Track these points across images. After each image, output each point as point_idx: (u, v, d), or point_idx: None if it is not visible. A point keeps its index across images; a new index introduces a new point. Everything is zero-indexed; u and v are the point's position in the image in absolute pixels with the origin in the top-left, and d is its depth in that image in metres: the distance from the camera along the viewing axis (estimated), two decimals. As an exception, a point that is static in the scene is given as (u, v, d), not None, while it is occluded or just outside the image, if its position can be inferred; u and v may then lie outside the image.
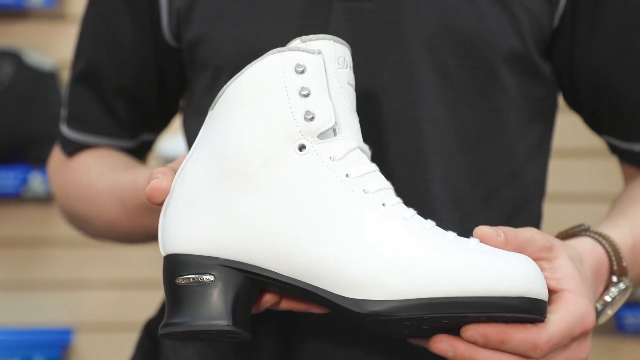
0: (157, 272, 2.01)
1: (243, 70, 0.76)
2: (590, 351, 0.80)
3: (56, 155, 1.06)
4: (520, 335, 0.74)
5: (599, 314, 0.84)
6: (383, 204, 0.75)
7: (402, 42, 0.88)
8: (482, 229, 0.77)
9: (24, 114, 2.04)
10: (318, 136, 0.75)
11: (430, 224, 0.76)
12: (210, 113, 0.77)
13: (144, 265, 2.09)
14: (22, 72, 2.04)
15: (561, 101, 0.99)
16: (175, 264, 0.76)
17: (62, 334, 2.14)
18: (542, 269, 0.76)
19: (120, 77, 1.00)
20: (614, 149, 0.98)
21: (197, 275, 0.75)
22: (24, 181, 2.04)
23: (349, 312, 0.73)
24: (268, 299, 0.77)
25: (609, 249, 0.85)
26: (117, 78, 1.00)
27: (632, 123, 0.95)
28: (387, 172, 0.84)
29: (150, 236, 0.97)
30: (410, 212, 0.76)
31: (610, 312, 0.86)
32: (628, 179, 0.99)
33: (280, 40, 0.81)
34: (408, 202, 0.86)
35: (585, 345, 0.79)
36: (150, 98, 1.01)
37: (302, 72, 0.75)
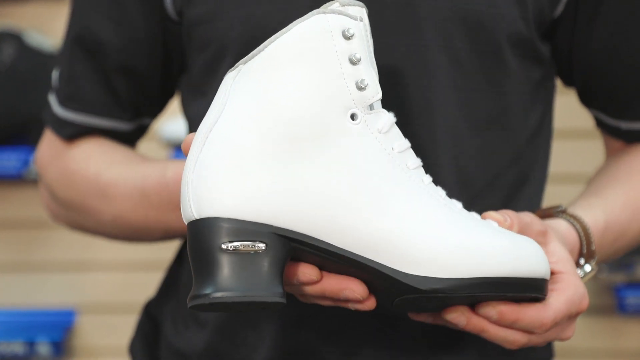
0: (159, 254, 2.02)
1: (287, 28, 0.72)
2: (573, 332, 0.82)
3: (48, 141, 1.01)
4: (532, 314, 0.77)
5: None
6: (422, 181, 0.76)
7: (415, 25, 0.87)
8: (490, 214, 0.80)
9: (26, 95, 2.03)
10: (369, 106, 0.74)
11: (459, 204, 0.78)
12: (240, 69, 0.72)
13: (147, 247, 2.09)
14: (23, 54, 2.04)
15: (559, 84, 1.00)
16: (219, 229, 0.69)
17: (65, 315, 2.15)
18: (546, 244, 0.81)
19: (125, 53, 0.96)
20: (599, 123, 1.00)
21: (249, 243, 0.69)
22: (26, 163, 2.03)
23: (407, 288, 0.73)
24: (309, 272, 0.73)
25: (581, 232, 0.87)
26: (122, 54, 0.96)
27: (623, 103, 0.97)
28: None
29: (166, 233, 0.94)
30: (443, 192, 0.77)
31: None
32: (610, 153, 1.01)
33: (292, 20, 0.80)
34: None
35: (573, 325, 0.82)
36: (154, 77, 0.98)
37: (350, 38, 0.73)
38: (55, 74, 1.01)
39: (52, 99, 1.00)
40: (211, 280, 0.69)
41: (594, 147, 1.94)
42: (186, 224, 0.71)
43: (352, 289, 0.72)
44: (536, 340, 0.80)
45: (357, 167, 0.72)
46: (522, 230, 0.80)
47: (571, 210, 0.89)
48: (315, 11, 0.73)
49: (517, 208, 0.92)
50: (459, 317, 0.77)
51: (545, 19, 0.91)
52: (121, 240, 1.01)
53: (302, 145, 0.71)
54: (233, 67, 0.72)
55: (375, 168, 0.73)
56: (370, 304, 0.74)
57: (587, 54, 0.94)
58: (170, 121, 2.03)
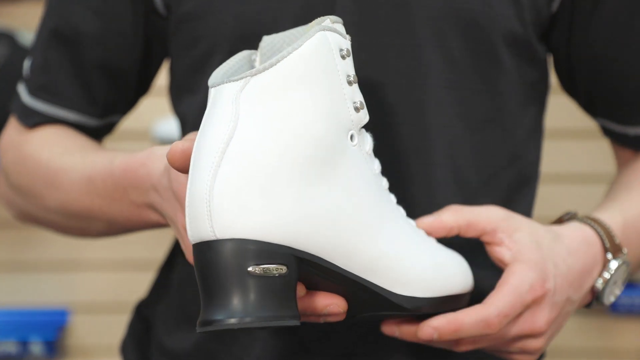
0: (153, 254, 2.02)
1: (297, 44, 0.69)
2: (548, 322, 0.80)
3: (11, 127, 1.00)
4: (470, 318, 0.76)
5: (602, 292, 0.85)
6: (391, 201, 0.77)
7: (408, 24, 0.87)
8: (423, 222, 0.81)
9: (19, 95, 2.03)
10: (360, 128, 0.73)
11: (414, 222, 0.81)
12: (248, 81, 0.67)
13: (140, 246, 2.09)
14: (16, 53, 2.03)
15: (553, 82, 0.99)
16: (247, 251, 0.66)
17: (58, 314, 2.15)
18: (501, 243, 0.81)
19: (105, 46, 0.94)
20: (607, 132, 0.98)
21: (275, 266, 0.66)
22: (19, 162, 2.03)
23: (394, 307, 0.75)
24: (298, 289, 0.71)
25: (598, 229, 0.86)
26: (101, 47, 0.94)
27: (629, 107, 0.95)
28: (393, 155, 0.84)
29: (109, 225, 0.91)
30: (403, 210, 0.79)
31: (617, 291, 0.87)
32: (621, 164, 1.00)
33: (285, 18, 0.80)
34: (413, 186, 0.87)
35: (540, 314, 0.80)
36: (132, 74, 0.97)
37: (345, 57, 0.71)
38: (26, 64, 0.99)
39: (22, 89, 0.99)
40: (233, 304, 0.66)
41: (592, 147, 1.94)
42: (195, 242, 0.67)
43: (337, 304, 0.72)
44: (513, 343, 0.80)
45: (358, 189, 0.71)
46: (466, 230, 0.81)
47: (585, 215, 0.88)
48: (315, 27, 0.70)
49: (517, 209, 0.92)
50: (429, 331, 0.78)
51: (543, 17, 0.90)
52: (65, 231, 0.98)
53: (316, 166, 0.68)
54: (237, 77, 0.68)
55: (369, 189, 0.73)
56: (344, 316, 0.74)
57: (586, 55, 0.93)
58: (163, 121, 2.04)
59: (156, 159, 0.81)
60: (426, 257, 0.77)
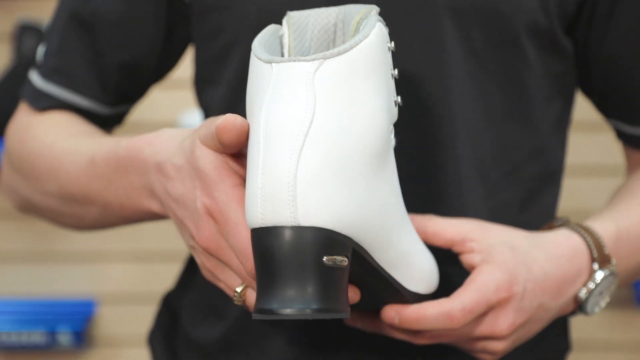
0: (180, 245, 2.03)
1: (364, 33, 0.66)
2: (512, 326, 0.79)
3: (20, 112, 0.99)
4: (434, 309, 0.76)
5: (585, 302, 0.84)
6: None
7: (431, 15, 0.86)
8: None
9: (47, 87, 2.04)
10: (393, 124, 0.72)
11: None
12: (322, 63, 0.65)
13: (167, 237, 2.10)
14: (44, 46, 2.05)
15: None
16: (325, 240, 0.64)
17: (86, 305, 2.16)
18: (471, 250, 0.80)
19: (124, 31, 0.93)
20: (620, 134, 0.98)
21: (342, 257, 0.65)
22: (47, 154, 2.04)
23: (401, 302, 0.76)
24: None
25: (587, 238, 0.84)
26: (120, 32, 0.93)
27: None
28: (417, 147, 0.84)
29: (103, 210, 0.88)
30: None
31: (603, 302, 0.86)
32: (632, 167, 0.99)
33: (310, 8, 0.79)
34: (439, 179, 0.87)
35: (504, 317, 0.79)
36: (149, 61, 0.96)
37: (389, 50, 0.70)
38: (41, 49, 0.98)
39: (34, 74, 0.98)
40: (298, 293, 0.64)
41: (603, 140, 1.93)
42: (264, 226, 0.65)
43: (353, 295, 0.72)
44: (475, 343, 0.80)
45: (394, 186, 0.71)
46: (433, 239, 0.82)
47: (577, 222, 0.87)
48: (374, 16, 0.68)
49: (540, 203, 0.91)
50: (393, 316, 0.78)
51: (568, 10, 0.90)
52: (60, 220, 0.96)
53: (378, 158, 0.67)
54: (310, 58, 0.65)
55: (398, 186, 0.73)
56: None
57: (602, 54, 0.92)
58: (189, 113, 2.04)
59: (166, 139, 0.78)
60: (427, 255, 0.78)
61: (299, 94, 0.64)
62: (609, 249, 0.84)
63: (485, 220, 0.85)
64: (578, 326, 1.97)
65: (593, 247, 0.84)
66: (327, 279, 0.64)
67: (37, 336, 2.11)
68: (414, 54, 0.87)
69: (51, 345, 2.11)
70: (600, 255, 0.84)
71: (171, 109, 2.05)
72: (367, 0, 0.82)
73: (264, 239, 0.64)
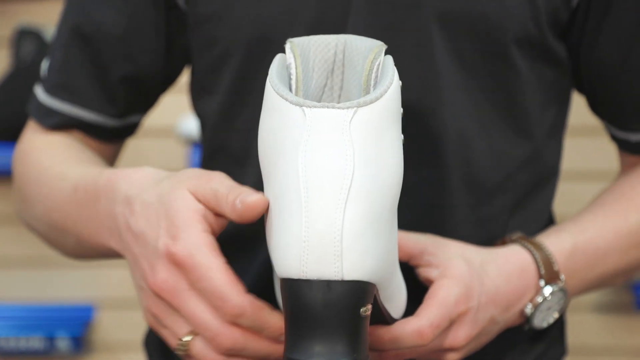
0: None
1: (389, 78, 0.66)
2: (468, 338, 0.80)
3: (29, 132, 0.98)
4: (407, 327, 0.76)
5: (532, 317, 0.85)
6: None
7: (420, 25, 0.86)
8: None
9: (45, 92, 2.05)
10: None
11: None
12: (356, 112, 0.64)
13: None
14: (43, 51, 2.05)
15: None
16: (365, 294, 0.64)
17: (84, 310, 2.16)
18: (428, 264, 0.81)
19: (126, 44, 0.93)
20: (612, 137, 0.97)
21: (370, 305, 0.65)
22: (46, 159, 2.04)
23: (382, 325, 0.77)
24: None
25: (536, 254, 0.85)
26: (122, 45, 0.93)
27: (630, 113, 0.94)
28: (406, 157, 0.84)
29: (77, 244, 0.88)
30: None
31: (551, 319, 0.87)
32: (622, 169, 0.99)
33: (300, 21, 0.79)
34: (426, 188, 0.86)
35: (462, 330, 0.80)
36: (154, 72, 0.95)
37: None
38: (44, 65, 0.98)
39: (39, 90, 0.97)
40: (337, 344, 0.64)
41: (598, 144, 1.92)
42: (306, 279, 0.64)
43: None
44: (431, 355, 0.80)
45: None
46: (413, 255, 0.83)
47: (529, 237, 0.88)
48: (389, 58, 0.68)
49: (533, 208, 0.91)
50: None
51: (561, 17, 0.89)
52: (51, 244, 0.96)
53: (395, 205, 0.67)
54: (344, 106, 0.64)
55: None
56: None
57: (594, 58, 0.92)
58: (188, 118, 2.04)
59: (143, 175, 0.78)
60: (404, 283, 0.79)
61: (338, 144, 0.63)
62: (558, 265, 0.86)
63: (474, 227, 0.86)
64: (579, 331, 1.97)
65: (541, 264, 0.85)
66: (361, 328, 0.65)
67: (35, 341, 2.11)
68: (405, 65, 0.86)
69: (50, 350, 2.11)
70: (548, 272, 0.85)
71: (170, 113, 2.05)
72: (357, 14, 0.82)
73: (304, 290, 0.64)
